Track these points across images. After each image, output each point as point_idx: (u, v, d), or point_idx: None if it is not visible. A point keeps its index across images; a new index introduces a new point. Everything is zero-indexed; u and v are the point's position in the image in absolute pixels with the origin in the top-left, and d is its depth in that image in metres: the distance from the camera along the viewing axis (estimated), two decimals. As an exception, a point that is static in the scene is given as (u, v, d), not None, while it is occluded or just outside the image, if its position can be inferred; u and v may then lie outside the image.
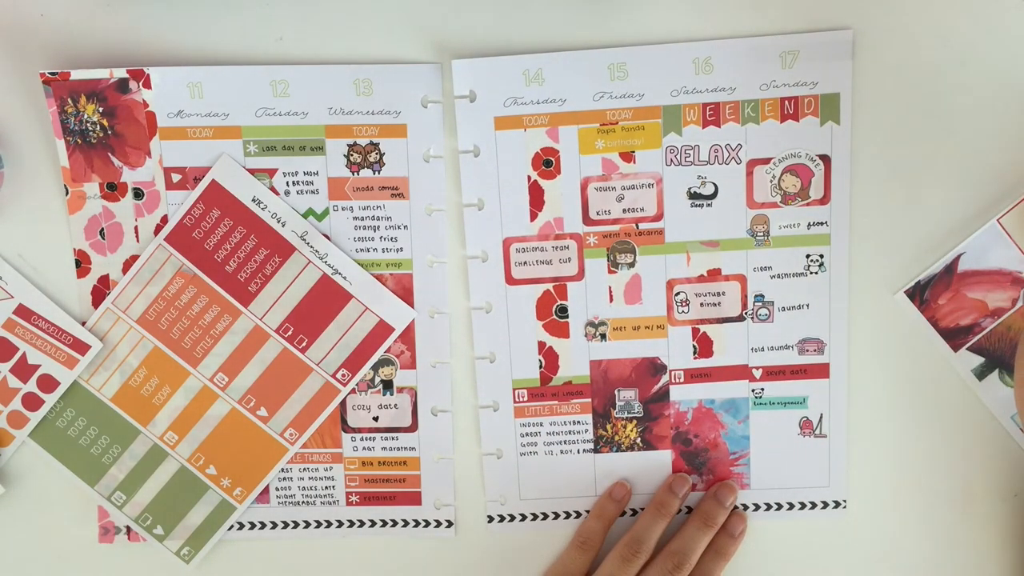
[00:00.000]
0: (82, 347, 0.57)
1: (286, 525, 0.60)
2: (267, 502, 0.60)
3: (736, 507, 0.59)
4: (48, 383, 0.58)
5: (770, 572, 0.60)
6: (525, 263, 0.57)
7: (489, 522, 0.59)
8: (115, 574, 0.60)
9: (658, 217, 0.56)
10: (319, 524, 0.60)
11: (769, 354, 0.58)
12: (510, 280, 0.57)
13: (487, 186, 0.56)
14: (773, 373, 0.58)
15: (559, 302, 0.57)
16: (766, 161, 0.56)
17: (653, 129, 0.56)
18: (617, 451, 0.59)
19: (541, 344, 0.58)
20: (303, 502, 0.60)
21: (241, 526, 0.60)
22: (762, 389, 0.58)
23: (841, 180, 0.56)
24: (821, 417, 0.58)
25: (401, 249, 0.57)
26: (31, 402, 0.58)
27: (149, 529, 0.59)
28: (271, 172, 0.57)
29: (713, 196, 0.56)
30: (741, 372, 0.58)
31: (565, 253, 0.57)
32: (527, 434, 0.59)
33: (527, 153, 0.56)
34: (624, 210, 0.56)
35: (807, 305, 0.57)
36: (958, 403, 0.58)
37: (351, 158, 0.57)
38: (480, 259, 0.57)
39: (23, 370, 0.58)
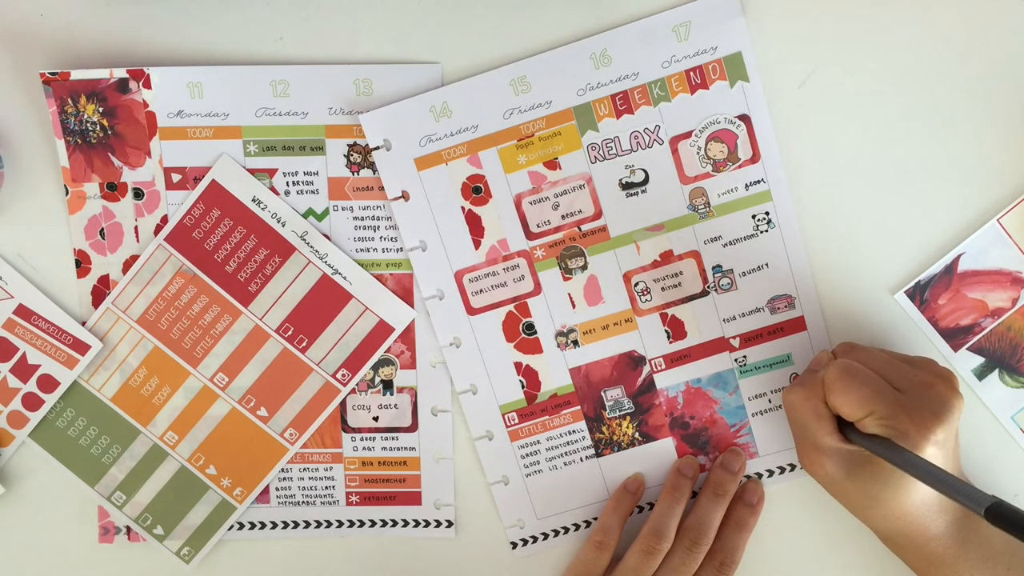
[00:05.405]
0: (82, 347, 0.57)
1: (286, 525, 0.60)
2: (267, 502, 0.60)
3: (750, 476, 0.59)
4: (48, 383, 0.58)
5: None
6: (481, 291, 0.57)
7: (513, 548, 0.59)
8: (115, 574, 0.60)
9: (597, 215, 0.57)
10: (319, 524, 0.60)
11: (742, 321, 0.57)
12: (471, 311, 0.57)
13: (425, 226, 0.56)
14: (751, 339, 0.58)
15: (524, 320, 0.57)
16: (688, 135, 0.56)
17: (569, 132, 0.56)
18: (618, 450, 0.59)
19: (518, 365, 0.58)
20: (303, 502, 0.60)
21: (241, 526, 0.60)
22: (744, 357, 0.58)
23: (766, 135, 0.56)
24: None
25: (401, 249, 0.57)
26: (31, 402, 0.58)
27: (149, 529, 0.59)
28: (271, 172, 0.57)
29: (645, 182, 0.56)
30: (719, 345, 0.58)
31: (517, 272, 0.57)
32: (527, 455, 0.59)
33: (454, 185, 0.56)
34: (563, 216, 0.57)
35: (766, 264, 0.57)
36: (958, 403, 0.58)
37: (351, 158, 0.57)
38: (437, 298, 0.57)
39: (23, 370, 0.58)
